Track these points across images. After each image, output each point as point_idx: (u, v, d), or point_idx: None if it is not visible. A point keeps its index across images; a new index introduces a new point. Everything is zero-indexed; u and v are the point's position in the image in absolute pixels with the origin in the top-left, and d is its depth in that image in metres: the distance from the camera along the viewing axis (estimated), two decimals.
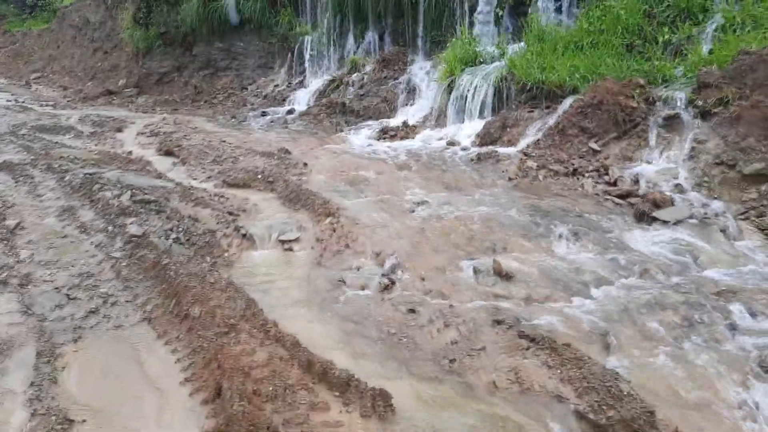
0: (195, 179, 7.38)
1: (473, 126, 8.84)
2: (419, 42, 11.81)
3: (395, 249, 4.83)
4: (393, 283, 4.26)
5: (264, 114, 11.56)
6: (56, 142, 9.14)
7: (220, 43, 14.11)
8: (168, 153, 8.54)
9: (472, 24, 10.98)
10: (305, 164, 7.69)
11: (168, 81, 14.70)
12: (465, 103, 9.12)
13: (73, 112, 12.57)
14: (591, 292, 4.05)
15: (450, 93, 9.38)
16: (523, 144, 7.87)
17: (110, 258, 4.52)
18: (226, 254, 4.96)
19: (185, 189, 6.57)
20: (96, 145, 9.19)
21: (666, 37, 8.36)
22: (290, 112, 11.45)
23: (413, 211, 5.78)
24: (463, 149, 8.18)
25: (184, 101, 13.70)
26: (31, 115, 11.92)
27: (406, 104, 10.65)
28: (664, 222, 5.39)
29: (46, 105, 14.01)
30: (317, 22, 12.78)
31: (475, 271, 4.32)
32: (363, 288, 4.29)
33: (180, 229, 5.14)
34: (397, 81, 11.16)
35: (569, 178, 6.67)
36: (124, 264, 4.41)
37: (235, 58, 13.98)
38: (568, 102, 7.79)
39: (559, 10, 10.42)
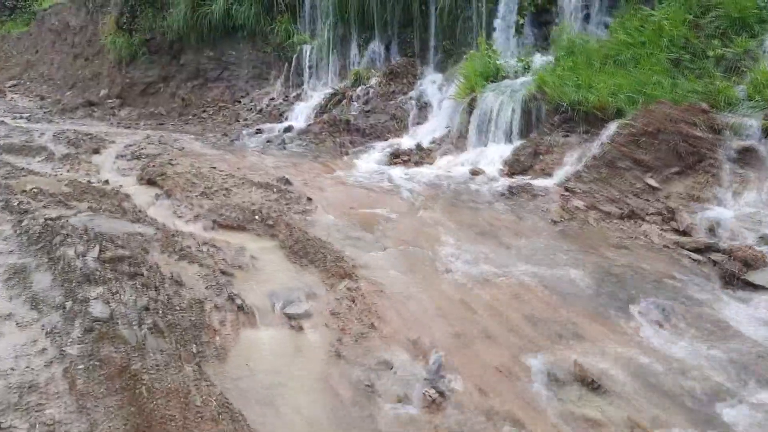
0: (181, 217, 6.27)
1: (499, 151, 7.78)
2: (430, 53, 10.75)
3: (436, 335, 3.75)
4: (442, 395, 3.17)
5: (259, 132, 10.45)
6: (22, 168, 7.98)
7: (210, 52, 12.99)
8: (150, 182, 7.42)
9: (489, 34, 9.93)
10: (309, 199, 6.60)
11: (153, 92, 13.56)
12: (488, 124, 8.06)
13: (48, 127, 11.39)
14: (718, 414, 2.99)
15: (470, 112, 8.31)
16: (560, 175, 6.82)
17: (64, 357, 3.40)
18: (217, 338, 3.86)
19: (168, 235, 5.45)
20: (68, 170, 8.04)
21: (718, 51, 7.35)
22: (288, 129, 10.35)
23: (448, 271, 4.70)
24: (491, 180, 7.12)
25: (171, 114, 12.57)
26: (0, 131, 10.74)
27: (418, 122, 9.59)
28: (761, 288, 4.35)
29: (20, 117, 12.82)
30: (317, 31, 11.70)
31: (551, 377, 3.25)
32: (401, 401, 3.20)
33: (158, 303, 4.03)
34: (406, 96, 10.10)
35: (626, 222, 5.62)
36: (81, 368, 3.30)
37: (227, 68, 12.86)
38: (613, 127, 6.74)
39: (587, 18, 9.40)
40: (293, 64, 11.81)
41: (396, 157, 8.36)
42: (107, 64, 15.24)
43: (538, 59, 8.76)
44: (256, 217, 6.00)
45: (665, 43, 7.66)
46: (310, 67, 11.58)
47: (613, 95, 7.10)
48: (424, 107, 9.78)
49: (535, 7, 9.64)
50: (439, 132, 9.00)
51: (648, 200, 5.80)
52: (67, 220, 5.39)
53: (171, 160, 8.13)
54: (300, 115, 10.93)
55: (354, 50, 11.26)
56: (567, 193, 6.26)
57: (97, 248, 4.73)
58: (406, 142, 9.08)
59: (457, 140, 8.35)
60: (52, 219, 5.42)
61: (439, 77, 10.38)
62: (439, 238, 5.48)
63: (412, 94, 10.09)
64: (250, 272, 4.84)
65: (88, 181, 7.42)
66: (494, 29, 9.82)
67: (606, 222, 5.66)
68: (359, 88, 10.58)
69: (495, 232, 5.63)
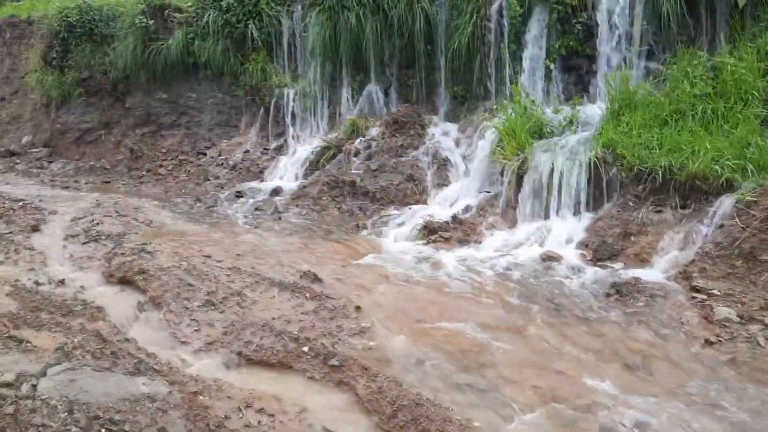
0: (186, 343, 4.45)
1: (566, 227, 6.34)
2: (438, 99, 9.30)
3: None
4: None
5: (240, 195, 8.58)
6: None
7: (163, 94, 11.00)
8: (125, 282, 5.47)
9: (511, 80, 8.58)
10: (358, 308, 4.89)
11: (92, 140, 11.37)
12: (547, 193, 6.62)
13: None
14: None
15: (520, 177, 6.84)
16: (664, 265, 5.46)
17: None
18: None
19: (186, 394, 3.62)
20: (2, 263, 5.93)
21: None
22: (277, 192, 8.55)
23: None
24: (575, 270, 5.65)
25: (118, 169, 10.46)
26: None
27: (439, 184, 8.05)
28: None
29: None
30: (301, 71, 10.00)
31: None
32: None
33: None
34: (417, 151, 8.55)
35: None
36: None
37: (185, 113, 10.89)
38: (727, 204, 5.46)
39: (626, 61, 8.22)
40: (271, 110, 10.01)
41: (431, 233, 6.74)
42: (30, 105, 12.83)
43: (587, 111, 7.44)
44: (305, 348, 4.23)
45: (747, 96, 6.52)
46: (293, 115, 9.83)
47: (717, 162, 5.82)
48: (442, 166, 8.26)
49: (566, 49, 8.39)
50: (470, 198, 7.48)
51: None
52: (35, 390, 3.41)
53: (144, 245, 6.17)
54: (286, 173, 9.15)
55: (346, 95, 9.64)
56: (699, 295, 4.85)
57: None
58: (433, 210, 7.49)
59: (504, 211, 6.85)
60: (7, 386, 3.45)
61: (451, 128, 8.92)
62: (578, 380, 3.90)
63: (424, 149, 8.56)
64: None
65: (37, 283, 5.39)
66: (519, 74, 8.46)
67: None
68: (357, 140, 8.95)
69: (644, 364, 4.11)
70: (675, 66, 7.35)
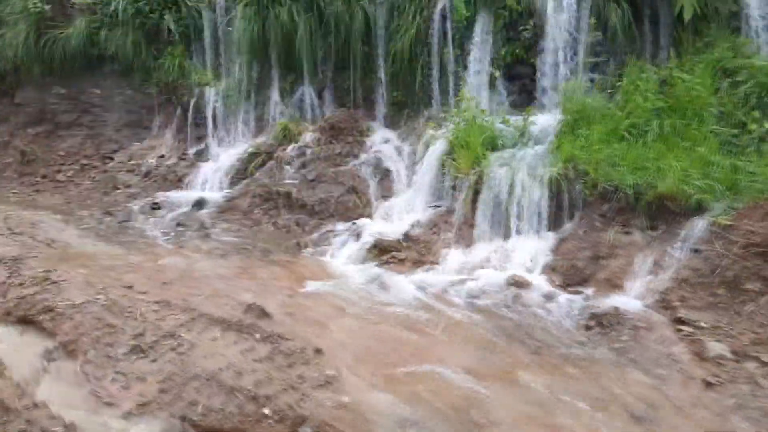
0: (113, 405, 3.62)
1: (528, 248, 5.94)
2: (377, 104, 8.69)
3: None
4: None
5: (157, 207, 7.58)
6: None
7: (61, 89, 9.70)
8: (26, 322, 4.49)
9: (454, 87, 8.14)
10: (318, 351, 4.20)
11: None
12: (505, 210, 6.19)
13: None
14: None
15: (476, 192, 6.38)
16: (638, 290, 5.17)
17: None
18: None
19: None
20: None
21: (764, 126, 6.24)
22: (200, 204, 7.62)
23: None
24: (546, 297, 5.23)
25: (7, 175, 9.09)
26: None
27: (383, 196, 7.46)
28: None
29: None
30: (224, 69, 9.07)
31: None
32: None
33: None
34: (357, 160, 7.92)
35: None
36: None
37: (88, 111, 9.64)
38: (700, 227, 5.22)
39: (571, 72, 7.97)
40: (191, 110, 9.02)
41: (382, 253, 6.16)
42: None
43: (539, 122, 7.09)
44: (265, 410, 3.51)
45: (702, 113, 6.40)
46: (215, 116, 8.89)
47: (682, 181, 5.59)
48: (385, 176, 7.68)
49: (512, 57, 8.04)
50: (418, 212, 6.94)
51: None
52: None
53: (48, 273, 5.14)
54: (210, 182, 8.22)
55: (276, 96, 8.83)
56: (685, 328, 4.55)
57: None
58: (379, 226, 6.88)
59: (460, 229, 6.35)
60: None
61: (391, 136, 8.36)
62: None
63: (365, 157, 7.94)
64: None
65: None
66: (464, 82, 8.02)
67: None
68: (290, 146, 8.18)
69: (650, 414, 3.71)
70: (624, 78, 7.14)
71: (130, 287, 4.99)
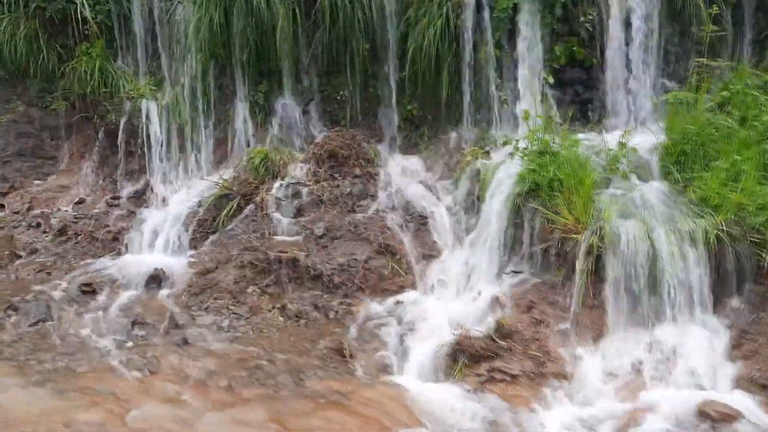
0: None
1: (692, 344, 4.07)
2: (385, 121, 6.51)
3: None
4: None
5: (89, 290, 4.96)
6: None
7: None
8: None
9: (499, 98, 6.16)
10: None
11: None
12: (644, 286, 4.27)
13: None
14: None
15: (596, 259, 4.40)
16: None
17: None
18: None
19: None
20: None
21: None
22: (157, 280, 5.10)
23: None
24: None
25: None
26: None
27: (426, 255, 5.33)
28: None
29: None
30: (168, 74, 6.48)
31: None
32: None
33: None
34: (376, 202, 5.73)
35: None
36: None
37: None
38: None
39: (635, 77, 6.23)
40: (120, 134, 6.33)
41: (475, 361, 4.06)
42: None
43: (644, 144, 5.26)
44: None
45: None
46: (158, 142, 6.29)
47: None
48: (421, 225, 5.56)
49: (567, 56, 6.15)
50: (490, 282, 4.90)
51: None
52: None
53: None
54: (163, 240, 5.66)
55: (244, 112, 6.36)
56: None
57: None
58: (434, 305, 4.80)
59: (577, 313, 4.36)
60: None
61: (412, 164, 6.23)
62: None
63: (385, 197, 5.76)
64: None
65: None
66: (506, 89, 6.05)
67: None
68: (276, 184, 5.83)
69: None
70: (732, 86, 5.46)
71: None
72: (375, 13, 6.13)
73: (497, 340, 4.22)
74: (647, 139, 5.39)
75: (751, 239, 4.23)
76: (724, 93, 5.48)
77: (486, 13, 6.03)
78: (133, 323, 4.49)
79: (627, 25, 6.08)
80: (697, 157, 4.93)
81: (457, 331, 4.32)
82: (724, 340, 4.06)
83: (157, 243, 5.64)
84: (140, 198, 6.21)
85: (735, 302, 4.24)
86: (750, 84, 5.50)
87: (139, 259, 5.46)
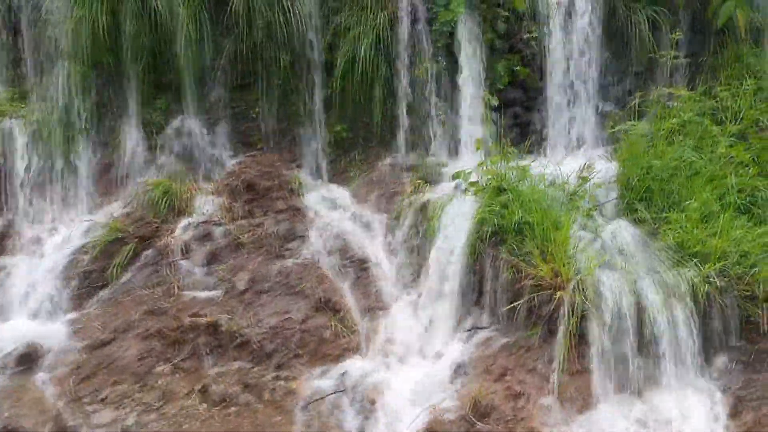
0: None
1: (692, 413, 3.65)
2: (306, 144, 5.64)
3: None
4: None
5: None
6: None
7: None
8: None
9: (438, 118, 5.53)
10: None
11: None
12: (631, 347, 3.80)
13: None
14: None
15: (580, 319, 3.87)
16: None
17: None
18: None
19: None
20: None
21: None
22: (30, 359, 3.93)
23: None
24: None
25: None
26: None
27: (369, 308, 4.57)
28: None
29: None
30: (34, 86, 5.19)
31: None
32: None
33: None
34: (307, 244, 4.88)
35: None
36: None
37: None
38: None
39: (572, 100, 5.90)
40: None
41: None
42: None
43: (602, 173, 4.85)
44: None
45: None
46: (24, 169, 5.00)
47: None
48: (362, 270, 4.79)
49: (510, 76, 5.64)
50: (449, 343, 4.26)
51: None
52: None
53: None
54: (35, 301, 4.44)
55: (135, 133, 5.24)
56: None
57: None
58: (384, 375, 4.06)
59: (564, 382, 3.80)
60: None
61: (340, 194, 5.43)
62: None
63: (317, 237, 4.93)
64: None
65: None
66: (456, 110, 5.43)
67: None
68: (181, 222, 4.81)
69: None
70: (682, 112, 5.20)
71: None
72: (298, 18, 5.24)
73: (475, 421, 3.56)
74: (600, 169, 4.99)
75: (737, 290, 3.88)
76: (674, 120, 5.21)
77: (422, 26, 5.35)
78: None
79: (568, 44, 5.68)
80: (663, 193, 4.58)
81: (425, 412, 3.60)
82: (721, 407, 3.66)
83: (28, 304, 4.41)
84: (1, 243, 4.90)
85: (721, 361, 3.88)
86: (697, 110, 5.28)
87: (4, 329, 4.22)
